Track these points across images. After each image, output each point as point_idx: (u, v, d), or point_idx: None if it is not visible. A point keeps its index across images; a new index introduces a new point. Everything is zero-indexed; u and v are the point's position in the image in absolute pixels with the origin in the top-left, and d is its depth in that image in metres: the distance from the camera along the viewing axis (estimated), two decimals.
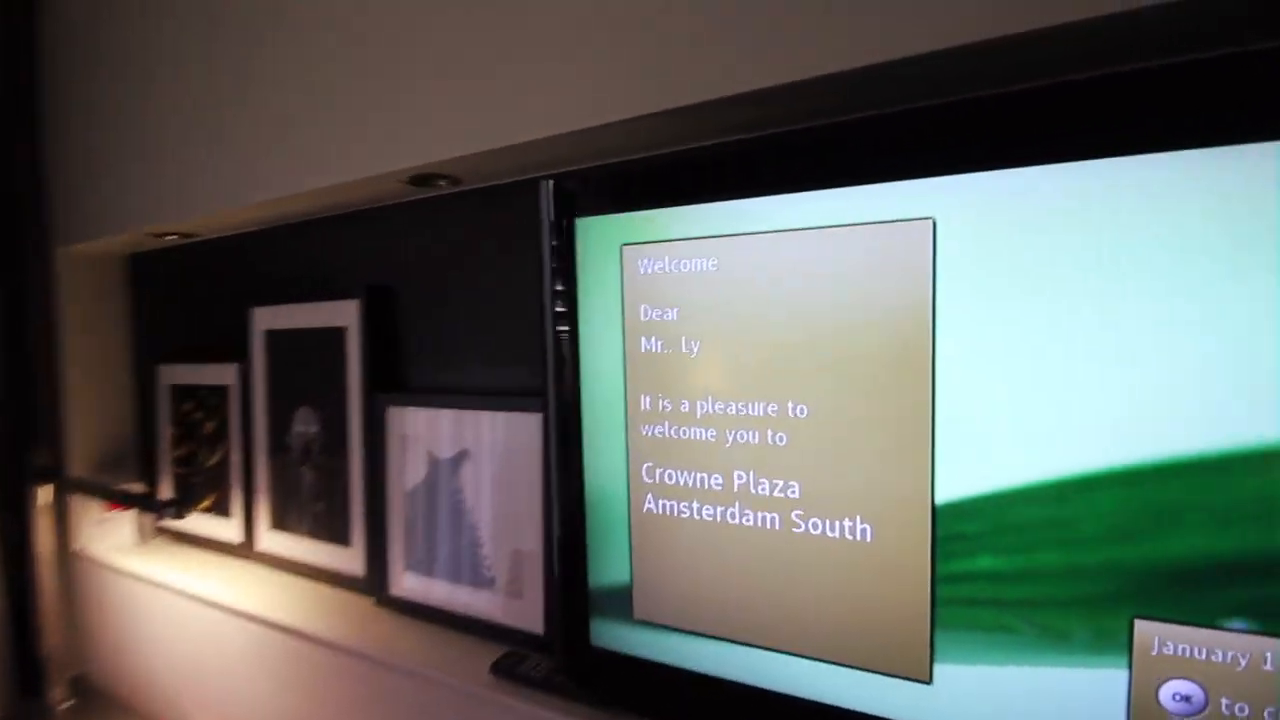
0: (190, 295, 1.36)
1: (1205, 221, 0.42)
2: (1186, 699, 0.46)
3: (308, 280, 1.14)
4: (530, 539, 0.86)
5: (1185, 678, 0.45)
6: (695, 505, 0.61)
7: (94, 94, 1.26)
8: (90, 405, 1.39)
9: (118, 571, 1.27)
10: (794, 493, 0.56)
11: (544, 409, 0.69)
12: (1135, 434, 0.45)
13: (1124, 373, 0.45)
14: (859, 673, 0.55)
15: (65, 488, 1.30)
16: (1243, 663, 0.44)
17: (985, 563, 0.50)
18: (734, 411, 0.58)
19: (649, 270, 0.61)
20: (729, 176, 0.59)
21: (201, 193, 1.07)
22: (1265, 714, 0.44)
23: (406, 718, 0.89)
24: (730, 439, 0.59)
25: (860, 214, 0.52)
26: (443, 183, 0.92)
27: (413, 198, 1.00)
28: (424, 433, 0.98)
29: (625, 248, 0.62)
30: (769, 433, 0.57)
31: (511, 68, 0.72)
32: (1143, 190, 0.44)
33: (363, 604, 1.03)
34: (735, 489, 0.59)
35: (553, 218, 0.65)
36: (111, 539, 1.35)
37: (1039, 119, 0.57)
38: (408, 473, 0.99)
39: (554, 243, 0.65)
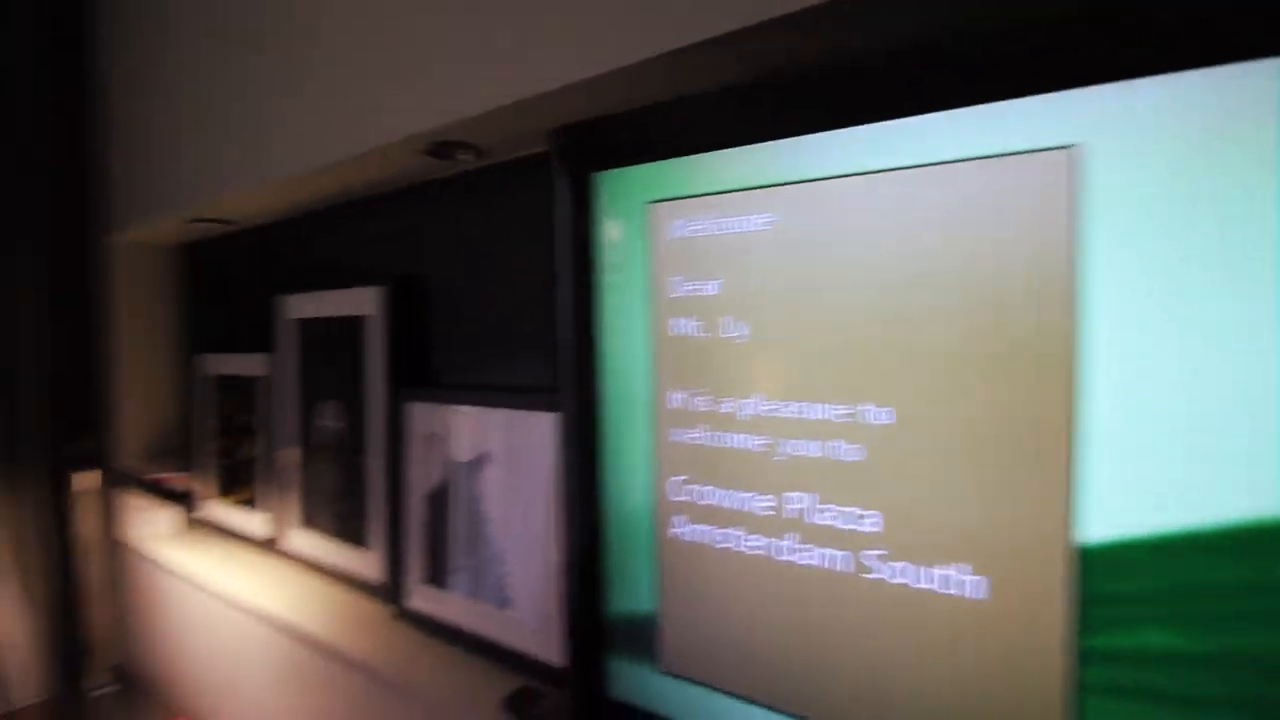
0: (229, 284, 1.34)
1: None
2: None
3: (339, 267, 1.08)
4: (553, 557, 0.75)
5: None
6: (737, 533, 0.47)
7: (135, 86, 1.25)
8: (137, 394, 1.38)
9: (154, 562, 1.25)
10: (871, 525, 0.42)
11: (557, 405, 0.57)
12: None
13: None
14: None
15: (110, 476, 1.30)
16: None
17: (1154, 638, 0.34)
18: (791, 414, 0.44)
19: (683, 232, 0.48)
20: (791, 104, 0.45)
21: (226, 174, 1.02)
22: None
23: None
24: (785, 450, 0.45)
25: (971, 145, 0.38)
26: (465, 155, 0.82)
27: (436, 176, 0.91)
28: (446, 431, 0.88)
29: (653, 205, 0.50)
30: (838, 444, 0.43)
31: (525, 13, 0.61)
32: None
33: (381, 614, 0.95)
34: (788, 516, 0.45)
35: (565, 171, 0.53)
36: (151, 528, 1.33)
37: None
38: (429, 476, 0.90)
39: (568, 201, 0.53)
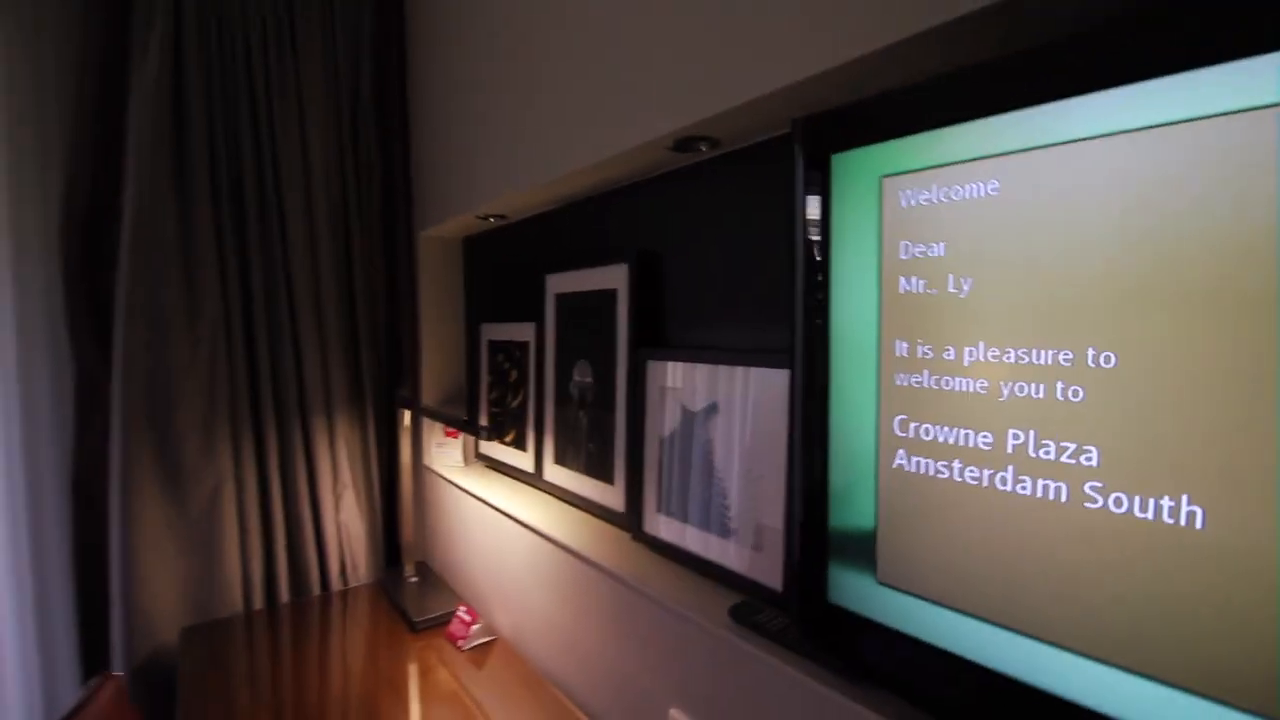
0: (500, 267, 1.64)
1: None
2: None
3: (591, 249, 1.29)
4: (774, 495, 0.86)
5: None
6: (957, 466, 0.54)
7: (437, 108, 1.58)
8: (435, 353, 1.77)
9: (449, 483, 1.60)
10: (1090, 460, 0.47)
11: (790, 352, 0.67)
12: None
13: None
14: (1172, 691, 0.44)
15: (418, 416, 1.68)
16: None
17: None
18: (1012, 360, 0.50)
19: (912, 202, 0.56)
20: (1016, 80, 0.50)
21: (509, 177, 1.27)
22: None
23: (651, 639, 0.96)
24: (1006, 392, 0.51)
25: (1199, 106, 0.40)
26: (703, 146, 0.95)
27: (677, 165, 1.06)
28: (679, 385, 1.03)
29: (885, 179, 0.57)
30: (1059, 385, 0.48)
31: (761, 14, 0.71)
32: None
33: (622, 537, 1.14)
34: (1010, 450, 0.51)
35: (805, 154, 0.63)
36: (446, 459, 1.71)
37: None
38: (664, 423, 1.06)
39: (806, 181, 0.63)
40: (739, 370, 0.93)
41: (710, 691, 0.87)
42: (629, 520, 1.13)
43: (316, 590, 1.64)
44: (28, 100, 1.43)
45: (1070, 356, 0.47)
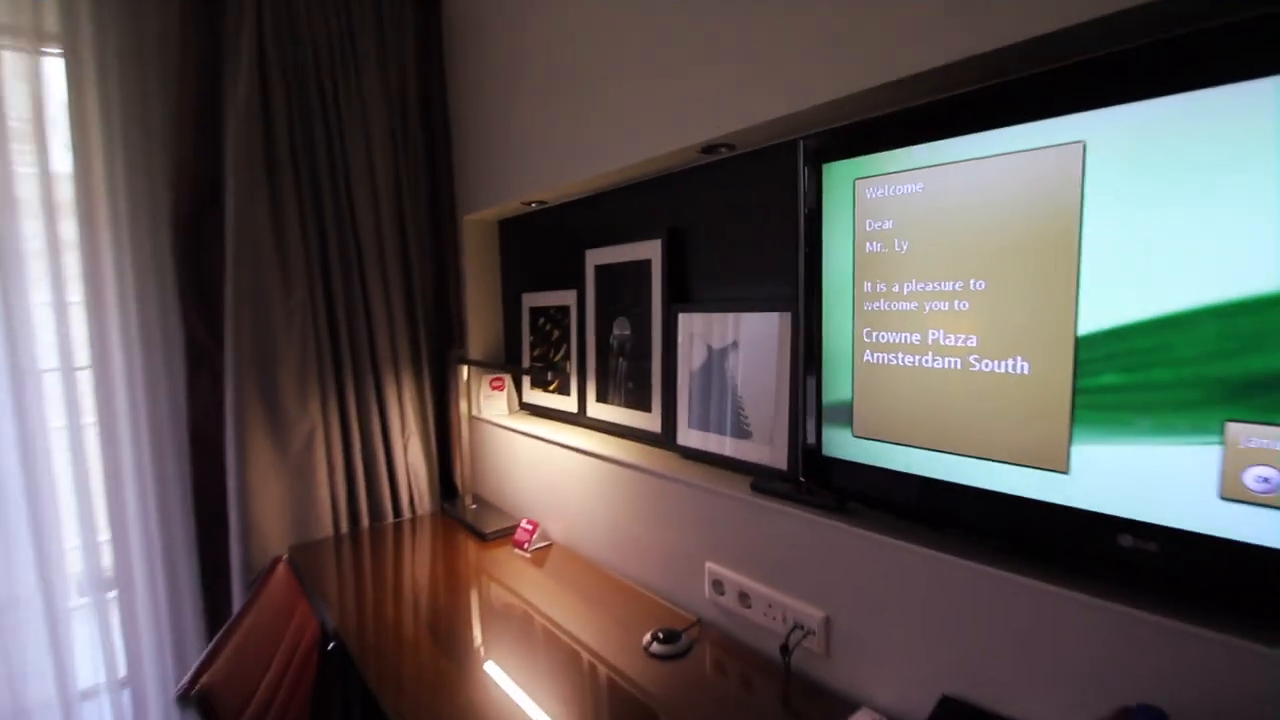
0: (543, 244, 1.95)
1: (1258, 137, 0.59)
2: (1266, 480, 0.63)
3: (628, 227, 1.61)
4: (780, 405, 1.21)
5: (1266, 464, 0.63)
6: (900, 355, 0.90)
7: (475, 107, 1.88)
8: (480, 318, 2.08)
9: (501, 428, 1.93)
10: (972, 343, 0.82)
11: (796, 296, 1.01)
12: (1222, 280, 0.63)
13: (1212, 240, 0.63)
14: (1020, 467, 0.80)
15: (469, 371, 2.00)
16: None
17: (1111, 378, 0.71)
18: (930, 289, 0.85)
19: (873, 195, 0.90)
20: (931, 125, 0.84)
21: (560, 170, 1.59)
22: None
23: (686, 516, 1.31)
24: (927, 308, 0.86)
25: (1025, 145, 0.76)
26: (723, 150, 1.29)
27: (699, 163, 1.39)
28: (703, 330, 1.38)
29: (858, 181, 0.92)
30: (955, 302, 0.83)
31: (776, 60, 1.05)
32: (1215, 112, 0.61)
33: (658, 451, 1.49)
34: (929, 343, 0.86)
35: (808, 164, 0.97)
36: (494, 409, 2.03)
37: (1155, 67, 0.72)
38: (693, 359, 1.41)
39: (808, 182, 0.97)
40: (746, 315, 1.28)
41: (735, 543, 1.22)
42: (664, 438, 1.48)
43: (390, 518, 1.96)
44: (134, 106, 1.69)
45: (961, 285, 0.82)
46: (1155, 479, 0.70)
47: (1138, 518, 0.71)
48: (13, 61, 1.58)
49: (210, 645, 1.02)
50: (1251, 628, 0.67)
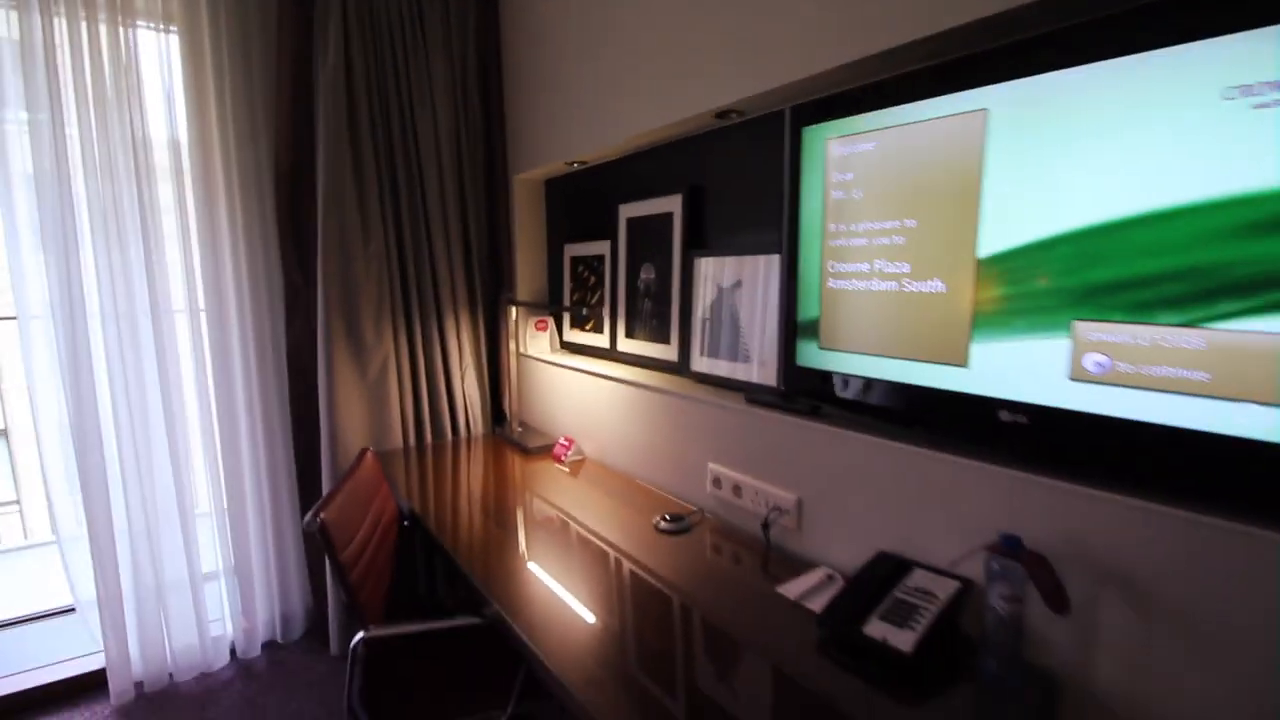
0: (582, 200, 2.21)
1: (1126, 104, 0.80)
2: (1100, 364, 0.85)
3: (651, 186, 1.85)
4: (770, 331, 1.45)
5: (1101, 352, 0.85)
6: (853, 281, 1.13)
7: (525, 75, 2.13)
8: (528, 265, 2.37)
9: (543, 362, 2.23)
10: (906, 269, 1.05)
11: (780, 240, 1.25)
12: (1075, 213, 0.84)
13: (1068, 184, 0.84)
14: (935, 365, 1.03)
15: (517, 313, 2.30)
16: (1129, 340, 0.82)
17: (999, 290, 0.94)
18: (876, 227, 1.08)
19: (839, 153, 1.13)
20: (882, 95, 1.06)
21: (599, 133, 1.83)
22: (1145, 370, 0.82)
23: (694, 427, 1.58)
24: (873, 242, 1.09)
25: (946, 111, 0.97)
26: (733, 115, 1.51)
27: (714, 128, 1.61)
28: (715, 272, 1.62)
29: (828, 140, 1.14)
30: (894, 237, 1.06)
31: (773, 40, 1.26)
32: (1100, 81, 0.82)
33: (674, 378, 1.76)
34: (874, 270, 1.09)
35: (792, 128, 1.19)
36: (538, 347, 2.33)
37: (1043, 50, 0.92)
38: (705, 297, 1.65)
39: (792, 143, 1.20)
40: (747, 258, 1.51)
41: (732, 447, 1.49)
42: (680, 366, 1.74)
43: (449, 436, 2.29)
44: (240, 81, 2.01)
45: (898, 224, 1.05)
46: (1025, 367, 0.92)
47: (1014, 398, 0.94)
48: (145, 39, 1.91)
49: (323, 497, 1.36)
50: (1087, 478, 0.90)
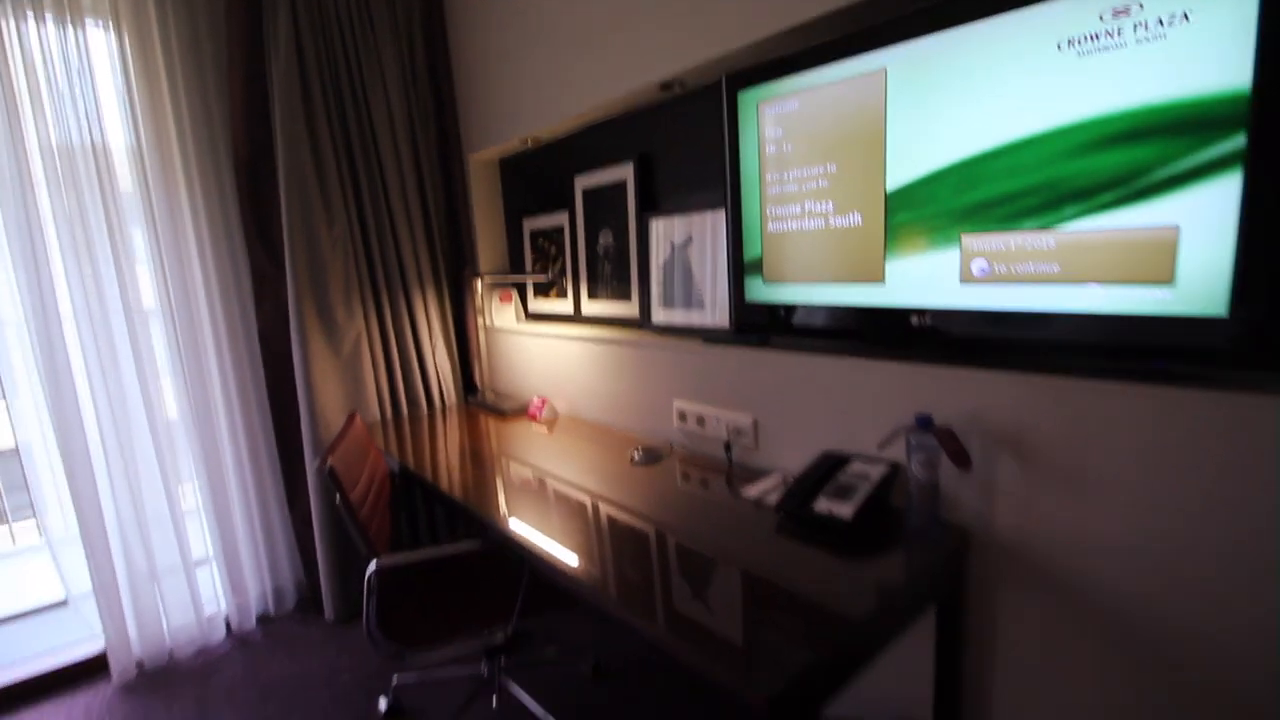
0: (538, 175, 2.34)
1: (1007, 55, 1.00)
2: (982, 269, 1.07)
3: (604, 157, 2.01)
4: (720, 279, 1.63)
5: (982, 257, 1.06)
6: (789, 222, 1.32)
7: (473, 56, 2.24)
8: (488, 240, 2.49)
9: (509, 333, 2.36)
10: (829, 208, 1.24)
11: (724, 192, 1.43)
12: (957, 149, 1.05)
13: (951, 126, 1.05)
14: (857, 285, 1.23)
15: (479, 285, 2.42)
16: (1002, 247, 1.04)
17: (904, 217, 1.14)
18: (805, 174, 1.27)
19: (770, 113, 1.31)
20: (799, 62, 1.25)
21: (551, 108, 1.97)
22: (1015, 268, 1.03)
23: (658, 372, 1.76)
24: (803, 187, 1.28)
25: (854, 71, 1.16)
26: (676, 87, 1.68)
27: (660, 100, 1.78)
28: (667, 231, 1.79)
29: (760, 103, 1.33)
30: (820, 181, 1.25)
31: (710, 14, 1.43)
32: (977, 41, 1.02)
33: (636, 331, 1.93)
34: (804, 210, 1.28)
35: (728, 93, 1.37)
36: (503, 318, 2.46)
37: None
38: (660, 255, 1.82)
39: (729, 106, 1.38)
40: (696, 215, 1.69)
41: (693, 383, 1.67)
42: (642, 320, 1.91)
43: (424, 407, 2.40)
44: (192, 75, 2.05)
45: (822, 169, 1.24)
46: (927, 277, 1.13)
47: (920, 305, 1.15)
48: (95, 39, 1.93)
49: (328, 446, 1.47)
50: (980, 363, 1.12)
